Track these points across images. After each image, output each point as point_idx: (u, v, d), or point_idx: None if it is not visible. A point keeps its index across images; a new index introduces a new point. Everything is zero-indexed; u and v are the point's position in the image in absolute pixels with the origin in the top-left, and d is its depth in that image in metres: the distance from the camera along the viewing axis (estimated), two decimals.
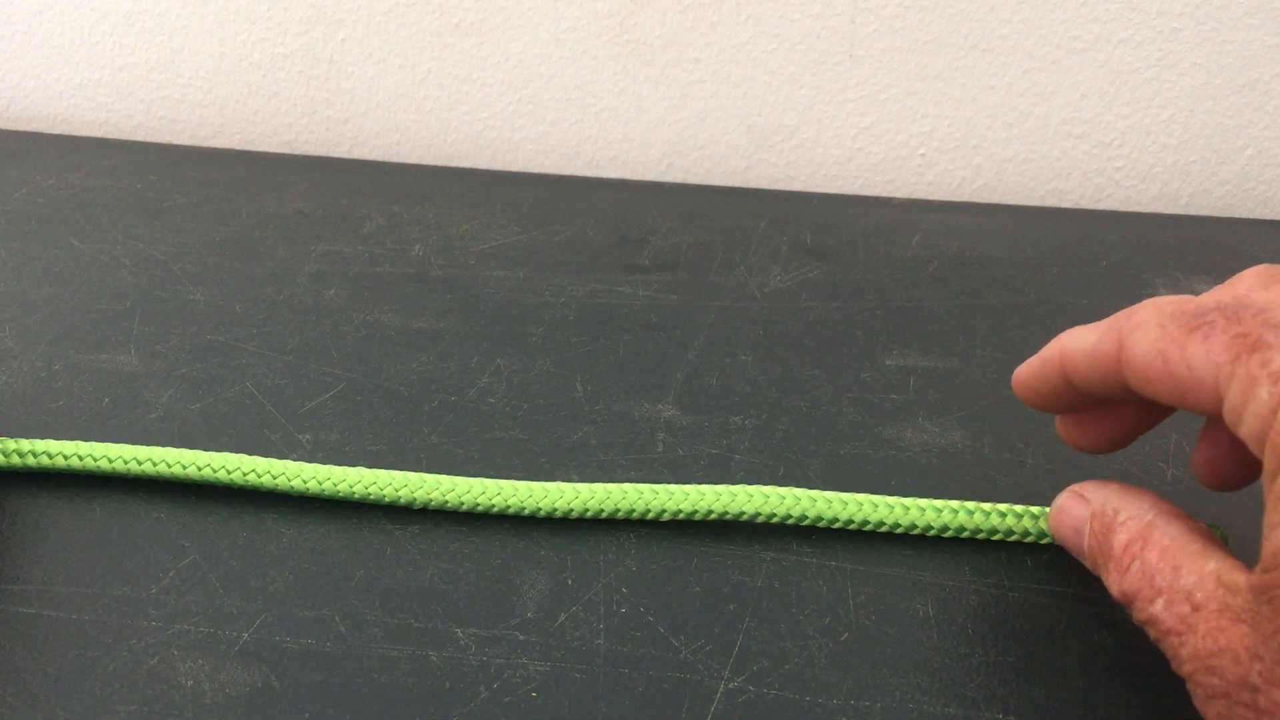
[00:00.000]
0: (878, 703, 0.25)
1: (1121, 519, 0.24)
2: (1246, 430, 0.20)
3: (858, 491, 0.29)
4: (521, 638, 0.26)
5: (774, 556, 0.28)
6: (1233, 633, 0.20)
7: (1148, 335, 0.23)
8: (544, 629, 0.26)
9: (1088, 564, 0.26)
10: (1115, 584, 0.24)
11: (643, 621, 0.27)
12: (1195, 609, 0.21)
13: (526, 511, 0.29)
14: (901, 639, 0.26)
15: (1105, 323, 0.25)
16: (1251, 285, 0.24)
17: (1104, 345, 0.24)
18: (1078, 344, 0.25)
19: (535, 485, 0.29)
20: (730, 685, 0.25)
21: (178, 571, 0.28)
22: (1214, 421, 0.26)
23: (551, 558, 0.28)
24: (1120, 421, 0.27)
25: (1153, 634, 0.22)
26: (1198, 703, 0.21)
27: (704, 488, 0.29)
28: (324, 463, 0.31)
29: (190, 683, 0.25)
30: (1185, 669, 0.21)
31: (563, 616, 0.27)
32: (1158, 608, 0.22)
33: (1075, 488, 0.27)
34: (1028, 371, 0.27)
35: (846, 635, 0.26)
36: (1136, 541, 0.23)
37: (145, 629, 0.26)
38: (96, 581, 0.28)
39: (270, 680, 0.25)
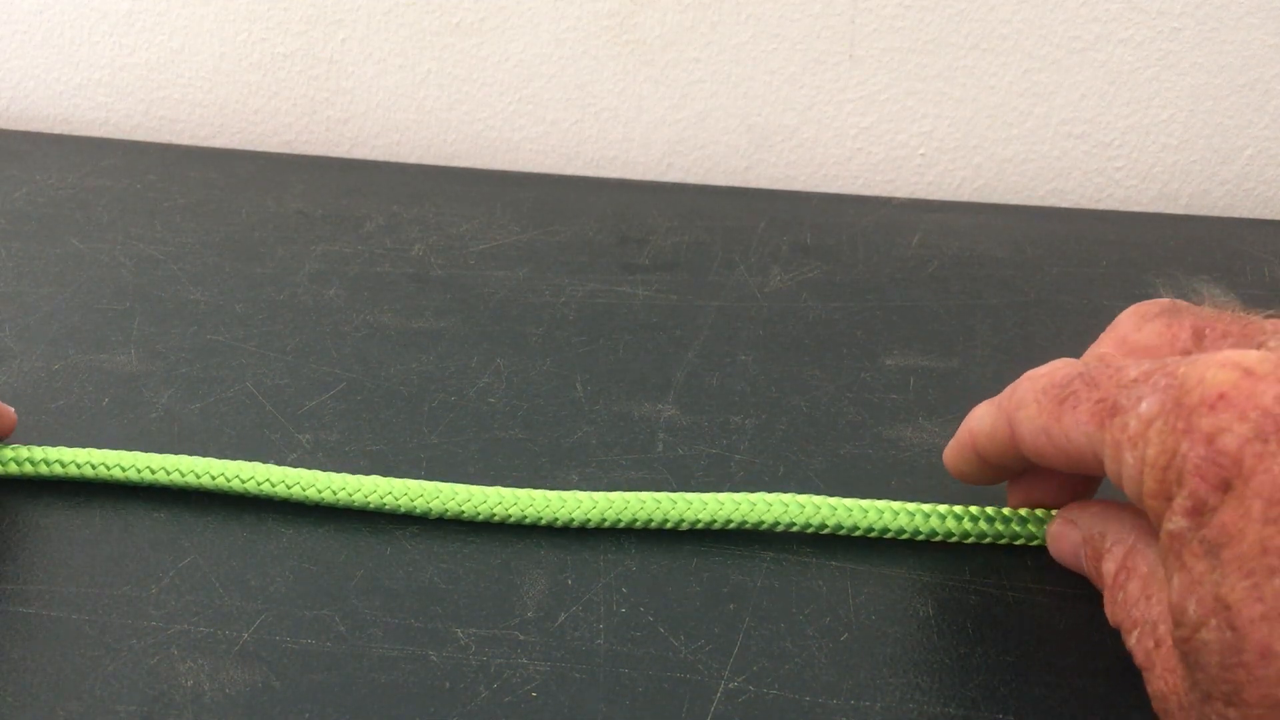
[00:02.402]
0: (878, 703, 0.25)
1: (1108, 544, 0.24)
2: (1128, 492, 0.21)
3: (858, 491, 0.29)
4: (521, 638, 0.26)
5: (774, 556, 0.28)
6: (1177, 674, 0.20)
7: (1028, 413, 0.23)
8: (544, 629, 0.26)
9: (1095, 585, 0.25)
10: (1108, 613, 0.23)
11: (643, 621, 0.27)
12: (1157, 645, 0.21)
13: (527, 521, 0.29)
14: (901, 639, 0.26)
15: (995, 403, 0.25)
16: (1125, 332, 0.24)
17: (999, 427, 0.24)
18: (979, 426, 0.26)
19: (536, 494, 0.29)
20: (730, 685, 0.25)
21: (178, 571, 0.28)
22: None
23: (551, 558, 0.28)
24: (1062, 481, 0.27)
25: (1135, 665, 0.22)
26: None
27: (704, 496, 0.29)
28: (324, 463, 0.31)
29: (190, 683, 0.25)
30: (1153, 708, 0.21)
31: (563, 616, 0.27)
32: (1133, 640, 0.22)
33: (1064, 512, 0.26)
34: (951, 454, 0.28)
35: (846, 635, 0.26)
36: (1122, 571, 0.23)
37: (145, 629, 0.26)
38: (96, 581, 0.28)
39: (270, 680, 0.25)
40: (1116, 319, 0.25)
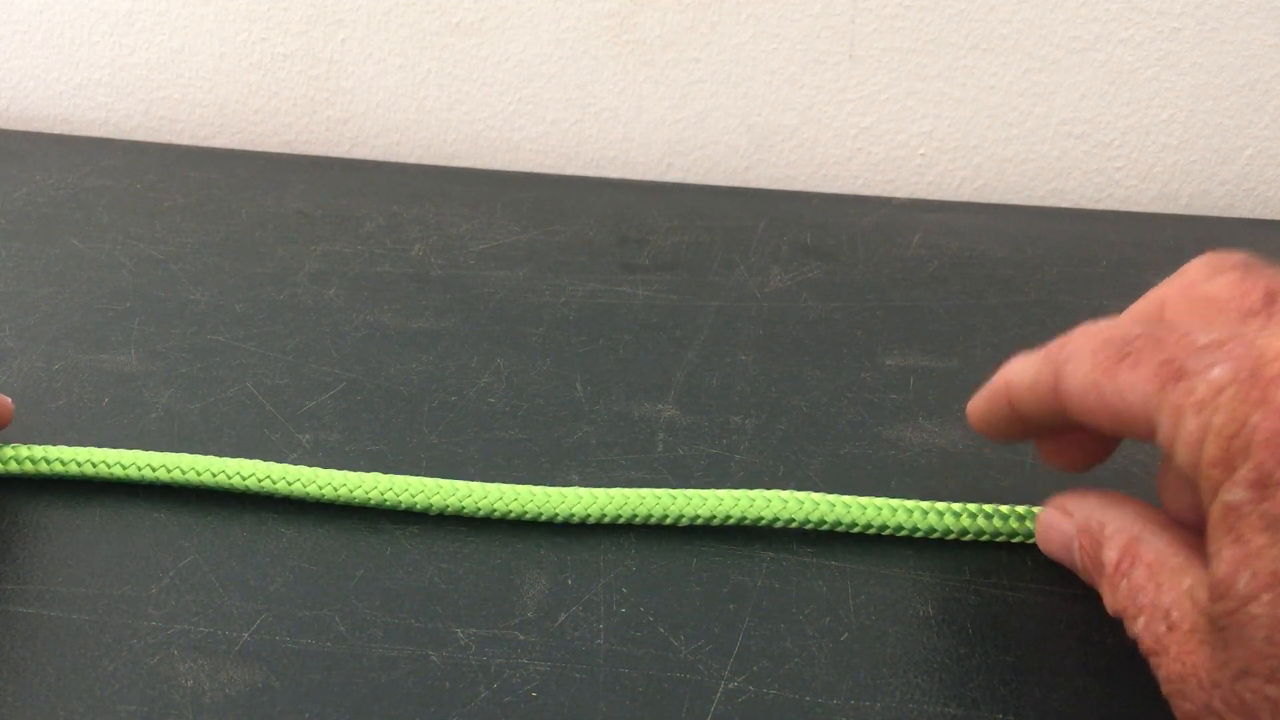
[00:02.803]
0: (878, 703, 0.25)
1: (1109, 533, 0.24)
2: (1180, 460, 0.20)
3: (858, 491, 0.29)
4: (521, 638, 0.26)
5: (774, 556, 0.28)
6: (1198, 655, 0.20)
7: (1081, 366, 0.22)
8: (544, 629, 0.26)
9: (1082, 578, 0.25)
10: (1108, 601, 0.23)
11: (643, 621, 0.27)
12: (1170, 629, 0.21)
13: (528, 516, 0.29)
14: (901, 639, 0.26)
15: (1042, 354, 0.24)
16: (1194, 279, 0.23)
17: (1042, 378, 0.24)
18: (1020, 377, 0.25)
19: (536, 490, 0.29)
20: (730, 685, 0.25)
21: (178, 571, 0.28)
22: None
23: (551, 558, 0.28)
24: (1092, 441, 0.27)
25: (1141, 652, 0.22)
26: None
27: (704, 492, 0.29)
28: (324, 462, 0.31)
29: (190, 683, 0.25)
30: (1164, 691, 0.21)
31: (563, 616, 0.27)
32: (1139, 626, 0.22)
33: (1057, 501, 0.26)
34: (979, 405, 0.27)
35: (846, 635, 0.26)
36: (1126, 558, 0.23)
37: (145, 629, 0.26)
38: (96, 581, 0.28)
39: (270, 680, 0.25)
40: (1185, 266, 0.24)
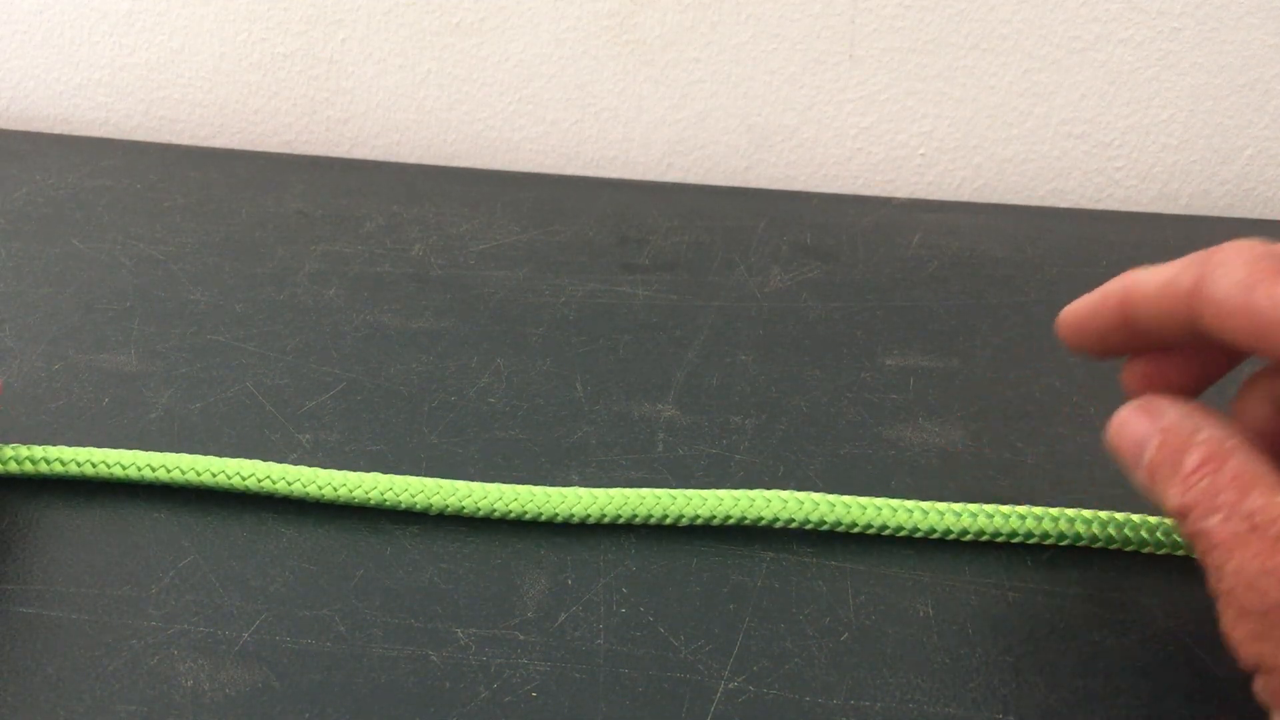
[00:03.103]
0: (878, 703, 0.25)
1: (1201, 437, 0.23)
2: None
3: (858, 491, 0.29)
4: (521, 638, 0.26)
5: (774, 556, 0.28)
6: (1276, 557, 0.20)
7: (1233, 273, 0.22)
8: (544, 629, 0.26)
9: (1138, 478, 0.25)
10: (1176, 496, 0.23)
11: (643, 621, 0.27)
12: (1253, 529, 0.21)
13: (528, 516, 0.29)
14: (901, 639, 0.26)
15: (1181, 260, 0.24)
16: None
17: (1180, 281, 0.23)
18: (1148, 278, 0.24)
19: (536, 490, 0.29)
20: (730, 685, 0.25)
21: (178, 571, 0.28)
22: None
23: (551, 558, 0.28)
24: (1197, 365, 0.26)
25: (1199, 547, 0.22)
26: (1227, 621, 0.21)
27: (704, 493, 0.29)
28: (324, 463, 0.31)
29: (190, 683, 0.25)
30: (1224, 585, 0.21)
31: (563, 616, 0.27)
32: (1213, 522, 0.22)
33: (1144, 402, 0.25)
34: (1081, 308, 0.26)
35: (846, 635, 0.26)
36: (1211, 461, 0.22)
37: (145, 629, 0.26)
38: (96, 581, 0.28)
39: (270, 680, 0.25)
40: (1221, 252, 0.24)
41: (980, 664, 0.26)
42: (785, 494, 0.29)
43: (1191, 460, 0.23)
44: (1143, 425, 0.25)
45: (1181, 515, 0.23)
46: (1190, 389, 0.27)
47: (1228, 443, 0.23)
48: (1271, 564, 0.20)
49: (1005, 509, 0.28)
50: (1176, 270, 0.24)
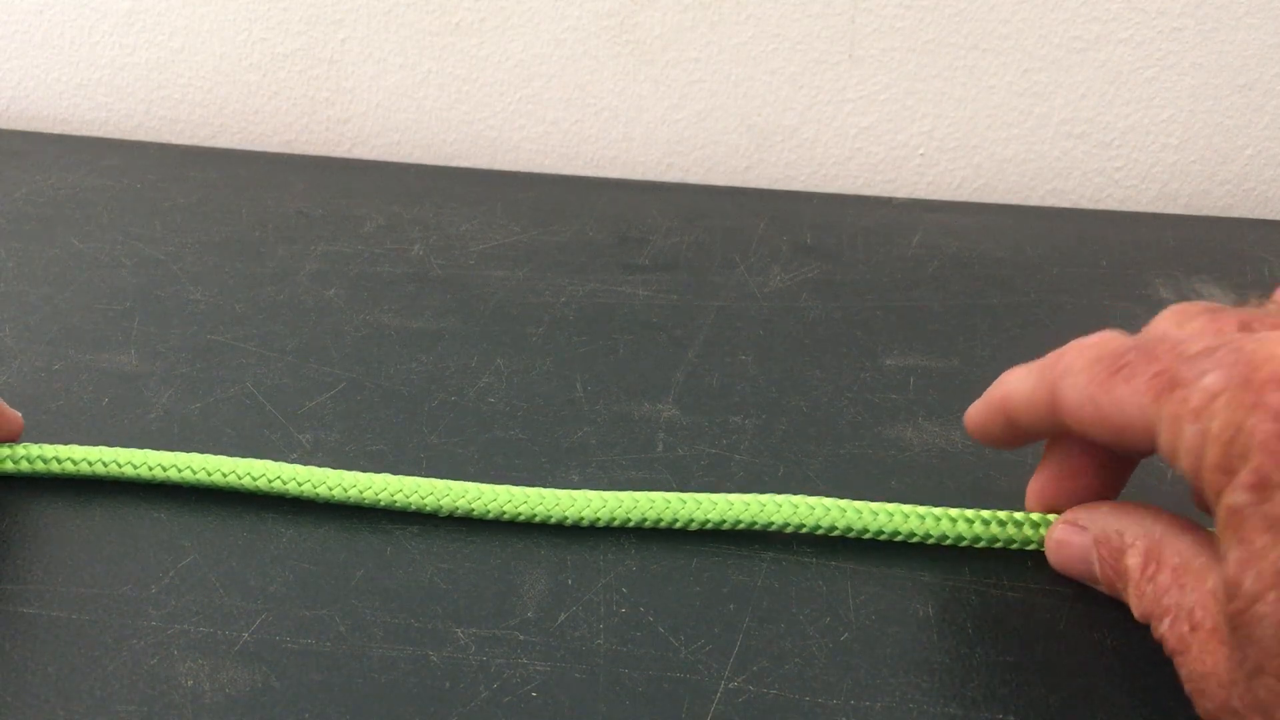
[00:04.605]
0: (878, 703, 0.25)
1: (1129, 539, 0.24)
2: (1182, 467, 0.21)
3: (858, 491, 0.29)
4: (521, 638, 0.26)
5: (774, 556, 0.28)
6: (1218, 655, 0.20)
7: (1077, 381, 0.23)
8: (544, 629, 0.26)
9: (1104, 589, 0.26)
10: (1135, 606, 0.24)
11: (643, 621, 0.27)
12: (1193, 629, 0.21)
13: (522, 518, 0.29)
14: (901, 639, 0.26)
15: (1038, 367, 0.25)
16: (1166, 327, 0.24)
17: (1039, 394, 0.24)
18: (1017, 388, 0.25)
19: (532, 491, 0.29)
20: (730, 685, 0.25)
21: (178, 571, 0.28)
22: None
23: (551, 558, 0.28)
24: (1086, 478, 0.27)
25: (1166, 652, 0.22)
26: None
27: (711, 496, 0.29)
28: (324, 463, 0.31)
29: (190, 683, 0.25)
30: (1186, 689, 0.22)
31: (563, 616, 0.27)
32: (1165, 627, 0.22)
33: (1068, 516, 0.26)
34: (977, 414, 0.27)
35: (846, 635, 0.26)
36: (1150, 562, 0.23)
37: (145, 629, 0.26)
38: (96, 581, 0.28)
39: (270, 680, 0.25)
40: (1153, 321, 0.25)
41: (980, 664, 0.26)
42: (782, 498, 0.29)
43: (1134, 563, 0.24)
44: (1079, 539, 0.26)
45: (1148, 624, 0.23)
46: (1100, 492, 0.27)
47: (1154, 533, 0.23)
48: (1210, 664, 0.20)
49: (1019, 515, 0.28)
50: (1034, 382, 0.25)
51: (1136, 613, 0.23)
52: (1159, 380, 0.21)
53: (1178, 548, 0.23)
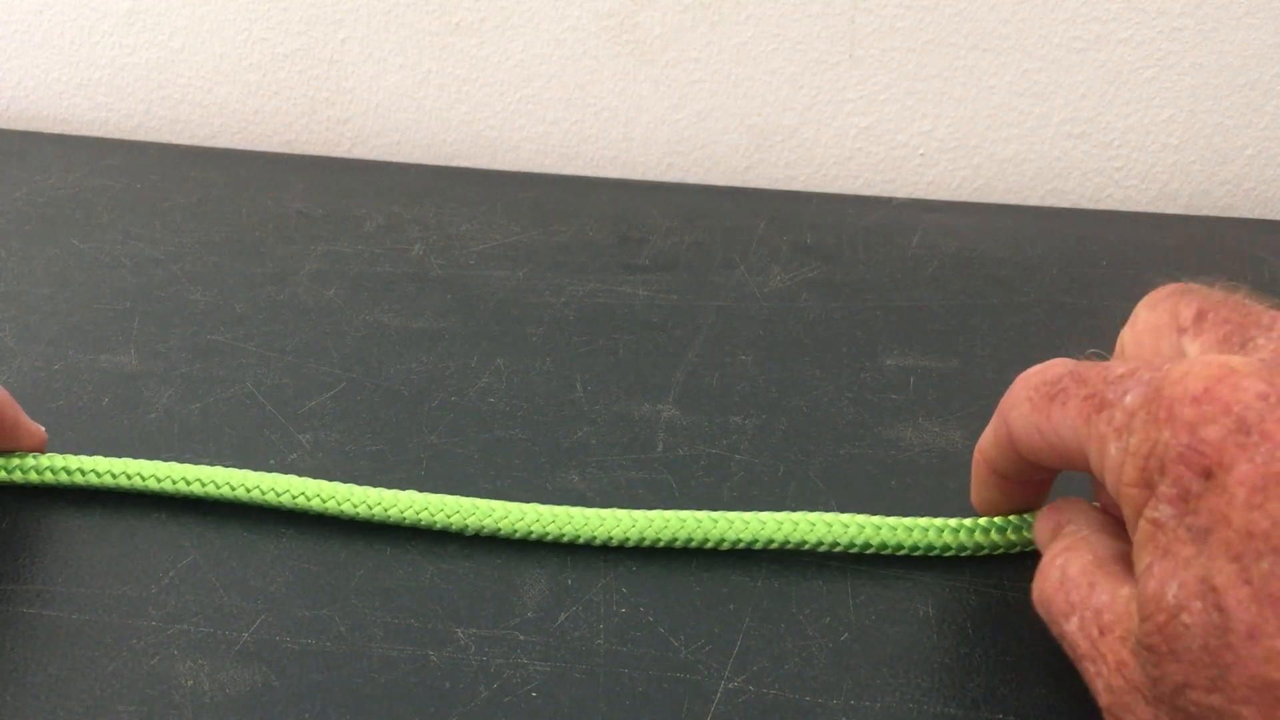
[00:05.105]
0: (878, 703, 0.25)
1: (1066, 530, 0.24)
2: (1109, 485, 0.21)
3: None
4: (521, 638, 0.26)
5: (773, 556, 0.28)
6: (1129, 666, 0.20)
7: (1021, 411, 0.24)
8: (544, 629, 0.26)
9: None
10: (1036, 590, 0.23)
11: (643, 621, 0.27)
12: (1103, 633, 0.21)
13: (518, 535, 0.28)
14: (901, 639, 0.26)
15: (997, 411, 0.25)
16: (1139, 314, 0.25)
17: (999, 433, 0.25)
18: (985, 438, 0.26)
19: (528, 508, 0.29)
20: (730, 685, 0.25)
21: (178, 571, 0.28)
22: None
23: (551, 557, 0.28)
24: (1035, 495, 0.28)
25: (1070, 655, 0.22)
26: None
27: (701, 515, 0.28)
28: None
29: (190, 683, 0.25)
30: (1102, 703, 0.21)
31: (563, 616, 0.27)
32: (1071, 625, 0.22)
33: (1054, 502, 0.27)
34: (974, 491, 0.28)
35: (846, 635, 0.26)
36: (1069, 550, 0.23)
37: (145, 629, 0.26)
38: (96, 581, 0.28)
39: (270, 680, 0.25)
40: (1135, 308, 0.25)
41: (980, 664, 0.26)
42: (782, 515, 0.28)
43: (1057, 546, 0.24)
44: (1048, 520, 0.26)
45: (1042, 611, 0.23)
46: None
47: (1084, 530, 0.24)
48: (1130, 680, 0.20)
49: (1000, 520, 0.28)
50: (994, 424, 0.25)
51: (1036, 599, 0.23)
52: (1089, 403, 0.22)
53: (1099, 549, 0.23)
